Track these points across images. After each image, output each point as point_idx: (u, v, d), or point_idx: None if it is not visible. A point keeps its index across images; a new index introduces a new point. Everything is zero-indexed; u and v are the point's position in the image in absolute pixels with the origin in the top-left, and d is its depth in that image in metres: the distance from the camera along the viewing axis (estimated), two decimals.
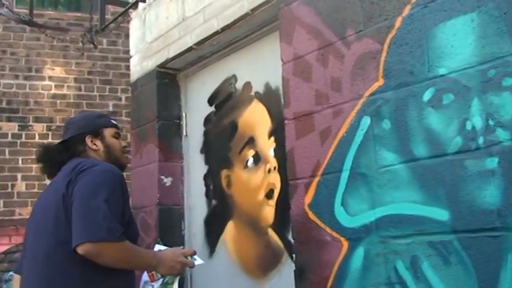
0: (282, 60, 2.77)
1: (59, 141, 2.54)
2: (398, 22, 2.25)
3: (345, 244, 2.40)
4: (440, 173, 2.07)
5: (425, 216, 2.11)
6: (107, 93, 6.84)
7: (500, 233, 1.88)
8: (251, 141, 3.27)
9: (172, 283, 2.40)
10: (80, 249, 2.08)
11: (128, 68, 6.72)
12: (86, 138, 2.45)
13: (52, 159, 2.47)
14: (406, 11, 2.23)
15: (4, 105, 6.49)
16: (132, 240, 2.26)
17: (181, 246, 2.56)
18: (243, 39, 3.33)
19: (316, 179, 2.54)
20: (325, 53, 2.55)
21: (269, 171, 3.12)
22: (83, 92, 6.72)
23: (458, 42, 2.05)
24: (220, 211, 3.49)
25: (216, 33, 3.30)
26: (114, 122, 2.57)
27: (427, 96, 2.13)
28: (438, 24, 2.12)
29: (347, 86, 2.44)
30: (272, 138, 3.12)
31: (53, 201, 2.25)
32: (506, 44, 1.90)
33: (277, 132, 3.05)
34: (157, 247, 2.48)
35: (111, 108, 6.79)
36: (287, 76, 2.74)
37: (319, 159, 2.53)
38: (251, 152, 3.26)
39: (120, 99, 6.91)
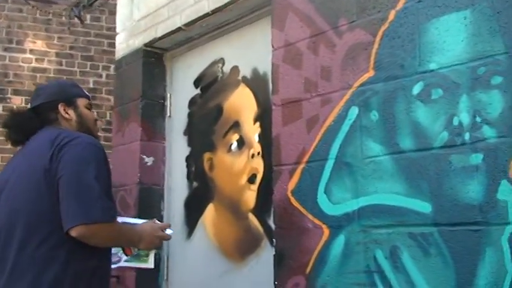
0: (273, 46, 2.78)
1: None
2: (391, 15, 2.27)
3: (326, 231, 2.43)
4: (424, 166, 2.10)
5: (407, 208, 2.15)
6: (88, 69, 6.76)
7: (480, 227, 1.93)
8: (236, 126, 3.27)
9: (147, 256, 2.43)
10: (74, 232, 1.97)
11: (110, 45, 6.64)
12: (59, 106, 2.31)
13: (21, 125, 2.31)
14: (400, 4, 2.25)
15: None
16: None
17: (154, 219, 2.45)
18: (233, 22, 3.33)
19: (301, 166, 2.56)
20: (316, 41, 2.56)
21: (252, 156, 3.13)
22: (63, 67, 6.62)
23: (450, 39, 2.08)
24: (200, 193, 3.50)
25: (207, 15, 3.28)
26: (87, 94, 2.47)
27: (416, 90, 2.16)
28: (431, 19, 2.14)
29: (337, 76, 2.46)
30: (257, 124, 3.13)
31: (30, 175, 2.09)
32: (497, 43, 1.93)
33: (263, 117, 3.06)
34: (120, 219, 2.35)
35: (91, 85, 6.71)
36: (277, 62, 2.75)
37: (305, 146, 2.55)
38: (235, 136, 3.26)
39: (101, 76, 6.83)
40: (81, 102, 2.37)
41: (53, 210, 2.02)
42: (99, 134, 2.61)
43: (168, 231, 2.40)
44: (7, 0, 6.45)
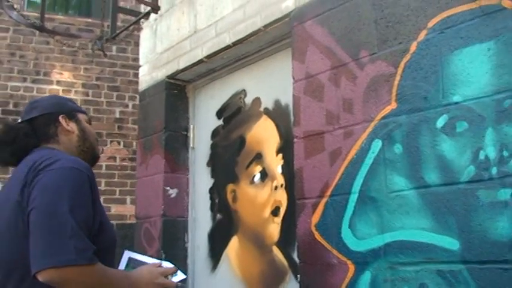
0: (293, 78, 2.75)
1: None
2: (413, 46, 2.23)
3: (352, 267, 2.37)
4: (451, 201, 2.04)
5: (435, 245, 2.08)
6: (114, 99, 6.82)
7: (511, 265, 1.85)
8: (258, 157, 3.24)
9: None
10: (41, 276, 1.65)
11: (136, 75, 6.71)
12: (60, 118, 2.03)
13: (16, 142, 1.98)
14: (422, 35, 2.21)
15: (11, 107, 6.48)
16: (107, 248, 1.88)
17: (159, 261, 2.06)
18: (254, 54, 3.32)
19: (324, 200, 2.52)
20: (338, 73, 2.53)
21: (276, 188, 3.10)
22: (90, 98, 6.70)
23: (474, 70, 2.02)
24: (224, 225, 3.47)
25: (228, 47, 3.28)
26: (85, 111, 2.21)
27: (440, 122, 2.10)
28: (454, 50, 2.09)
29: (359, 108, 2.42)
30: (280, 155, 3.09)
31: (6, 210, 1.83)
32: None
33: (286, 149, 3.03)
34: (127, 254, 2.10)
35: (117, 115, 6.78)
36: (298, 94, 2.72)
37: (328, 179, 2.51)
38: (258, 168, 3.23)
39: (127, 106, 6.89)
40: (82, 116, 2.13)
41: (26, 250, 1.71)
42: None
43: (176, 278, 2.02)
44: (34, 33, 6.57)
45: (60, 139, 2.03)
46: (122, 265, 2.08)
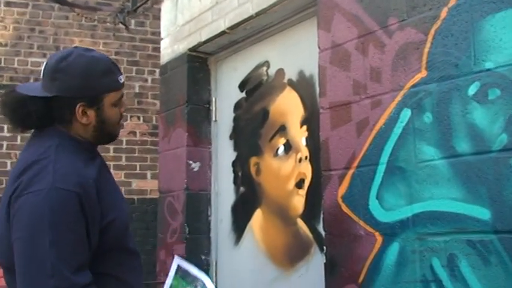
0: (319, 47, 2.71)
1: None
2: (444, 12, 2.17)
3: (379, 239, 2.35)
4: (483, 170, 2.00)
5: (465, 214, 2.05)
6: (133, 74, 6.80)
7: None
8: (282, 129, 3.21)
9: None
10: None
11: (155, 49, 6.67)
12: (77, 107, 1.77)
13: (25, 122, 1.82)
14: (453, 1, 2.15)
15: (32, 82, 6.51)
16: (118, 238, 1.80)
17: (204, 277, 1.93)
18: (277, 24, 3.27)
19: (351, 171, 2.49)
20: (365, 41, 2.48)
21: (300, 160, 3.07)
22: None
23: (507, 36, 1.97)
24: (248, 198, 3.45)
25: (251, 17, 3.24)
26: (121, 80, 1.84)
27: (472, 90, 2.06)
28: (486, 16, 2.04)
29: (387, 77, 2.37)
30: (304, 127, 3.06)
31: (4, 211, 1.71)
32: None
33: (310, 121, 2.99)
34: (177, 261, 2.05)
35: (137, 90, 6.76)
36: (324, 64, 2.67)
37: (355, 150, 2.48)
38: (282, 140, 3.21)
39: (146, 80, 6.86)
40: (109, 99, 1.82)
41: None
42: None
43: None
44: (53, 8, 6.55)
45: (74, 126, 1.81)
46: (172, 272, 2.06)
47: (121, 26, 6.38)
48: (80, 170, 1.72)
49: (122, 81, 1.84)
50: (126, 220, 1.87)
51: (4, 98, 1.85)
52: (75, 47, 1.86)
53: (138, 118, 6.75)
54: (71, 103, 1.77)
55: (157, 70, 5.97)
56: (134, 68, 6.81)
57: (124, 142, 6.61)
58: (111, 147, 6.56)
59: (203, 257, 3.65)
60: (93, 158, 1.85)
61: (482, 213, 1.99)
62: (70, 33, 6.57)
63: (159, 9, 4.44)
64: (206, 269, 3.62)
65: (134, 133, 6.69)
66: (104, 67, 1.80)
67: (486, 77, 2.01)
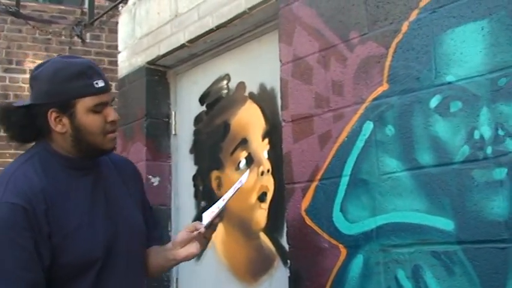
0: (281, 61, 2.71)
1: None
2: (404, 26, 2.20)
3: (343, 251, 2.35)
4: (445, 182, 2.02)
5: (429, 226, 2.07)
6: None
7: (507, 244, 1.84)
8: (244, 143, 3.20)
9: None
10: None
11: (111, 63, 6.60)
12: (49, 114, 1.71)
13: (14, 135, 1.80)
14: (413, 15, 2.18)
15: None
16: (80, 266, 1.69)
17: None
18: (238, 38, 3.26)
19: (314, 184, 2.49)
20: (326, 55, 2.49)
21: (262, 173, 3.06)
22: None
23: (467, 50, 2.00)
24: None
25: (211, 31, 3.22)
26: (98, 85, 1.72)
27: (433, 103, 2.09)
28: (446, 30, 2.07)
29: (349, 90, 2.39)
30: (266, 140, 3.06)
31: None
32: None
33: (272, 134, 2.99)
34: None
35: None
36: (286, 77, 2.68)
37: (318, 163, 2.48)
38: (244, 154, 3.19)
39: None
40: (84, 104, 1.71)
41: None
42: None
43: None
44: (6, 21, 6.41)
45: (53, 137, 1.76)
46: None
47: (76, 39, 6.30)
48: (32, 183, 1.66)
49: (99, 86, 1.73)
50: (87, 252, 1.72)
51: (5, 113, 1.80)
52: (59, 55, 1.83)
53: None
54: (43, 110, 1.71)
55: (114, 84, 5.91)
56: None
57: None
58: None
59: (163, 274, 3.59)
60: (80, 174, 1.78)
61: (446, 224, 2.01)
62: (23, 46, 6.44)
63: (116, 23, 4.39)
64: (167, 285, 3.56)
65: None
66: (76, 70, 1.72)
67: (447, 90, 2.04)
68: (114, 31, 5.92)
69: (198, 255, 3.35)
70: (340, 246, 2.36)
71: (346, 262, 2.33)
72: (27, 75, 6.43)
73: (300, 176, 2.56)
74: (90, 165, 1.85)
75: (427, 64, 2.11)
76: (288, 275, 2.59)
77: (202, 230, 1.90)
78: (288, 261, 2.61)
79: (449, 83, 2.04)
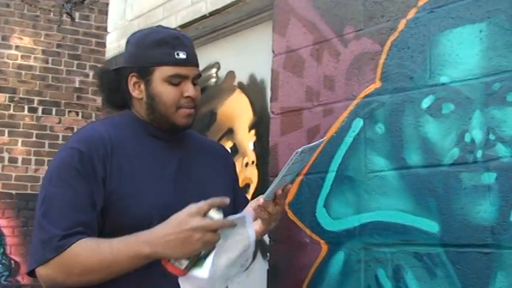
0: (273, 52, 2.68)
1: None
2: (401, 25, 2.18)
3: (325, 247, 2.33)
4: (433, 183, 2.01)
5: (413, 226, 2.05)
6: (74, 68, 6.63)
7: (491, 250, 1.83)
8: (230, 133, 3.17)
9: (203, 259, 1.50)
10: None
11: (98, 44, 6.52)
12: (129, 77, 1.75)
13: (108, 95, 1.87)
14: (411, 14, 2.16)
15: None
16: (132, 226, 1.56)
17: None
18: (231, 26, 3.22)
19: (300, 178, 2.46)
20: (320, 49, 2.46)
21: (246, 165, 3.03)
22: (50, 65, 6.49)
23: (463, 52, 1.99)
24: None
25: (204, 17, 3.18)
26: (178, 56, 1.70)
27: (425, 103, 2.07)
28: (444, 31, 2.05)
29: (341, 86, 2.36)
30: (253, 132, 3.03)
31: None
32: None
33: (259, 125, 2.96)
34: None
35: (77, 84, 6.59)
36: (277, 69, 2.65)
37: None
38: (229, 144, 3.16)
39: (87, 75, 6.71)
40: (161, 73, 1.70)
41: None
42: None
43: (214, 215, 1.48)
44: None
45: (133, 102, 1.79)
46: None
47: (64, 18, 6.22)
48: (95, 132, 1.69)
49: (179, 57, 1.70)
50: (140, 213, 1.63)
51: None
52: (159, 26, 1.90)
53: (77, 114, 6.58)
54: (125, 74, 1.76)
55: (100, 65, 5.83)
56: (75, 62, 6.64)
57: (60, 138, 6.42)
58: (46, 142, 6.36)
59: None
60: (158, 143, 1.77)
61: (431, 226, 2.00)
62: (10, 21, 6.33)
63: (106, 4, 4.33)
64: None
65: (72, 129, 6.51)
66: (160, 38, 1.73)
67: (441, 91, 2.03)
68: (103, 12, 5.85)
69: None
70: (322, 242, 2.34)
71: (327, 258, 2.31)
72: (13, 51, 6.35)
73: None
74: (170, 137, 1.81)
75: (422, 64, 2.09)
76: (267, 268, 2.57)
77: (260, 201, 1.80)
78: (268, 254, 2.58)
79: (443, 84, 2.02)
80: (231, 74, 3.24)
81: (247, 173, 3.01)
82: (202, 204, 1.47)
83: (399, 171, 2.11)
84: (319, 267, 2.33)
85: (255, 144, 3.00)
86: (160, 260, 1.51)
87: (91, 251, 1.52)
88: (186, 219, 1.45)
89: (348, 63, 2.35)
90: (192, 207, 1.47)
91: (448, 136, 1.99)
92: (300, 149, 1.71)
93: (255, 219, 1.81)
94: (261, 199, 1.81)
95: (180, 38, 1.75)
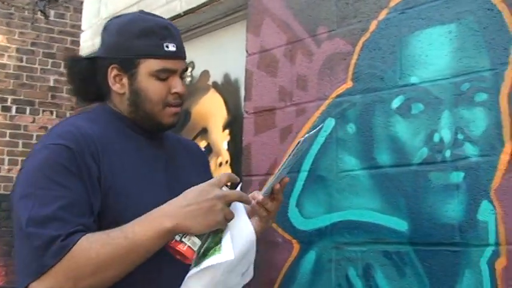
0: (247, 51, 2.68)
1: None
2: (373, 25, 2.20)
3: (296, 247, 2.34)
4: (402, 182, 2.03)
5: (383, 225, 2.07)
6: (49, 66, 6.54)
7: (459, 248, 1.86)
8: (204, 132, 3.17)
9: (218, 243, 1.39)
10: None
11: (73, 43, 6.45)
12: (109, 70, 1.54)
13: (78, 88, 1.64)
14: (382, 15, 2.18)
15: None
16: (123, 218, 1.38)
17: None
18: (205, 25, 3.22)
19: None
20: (293, 49, 2.47)
21: (220, 164, 3.03)
22: (24, 64, 6.39)
23: (433, 52, 2.01)
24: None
25: (178, 16, 3.18)
26: (167, 48, 1.51)
27: (395, 103, 2.09)
28: (414, 31, 2.08)
29: (313, 85, 2.37)
30: (227, 131, 3.03)
31: None
32: (483, 59, 1.87)
33: (233, 125, 2.96)
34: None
35: (52, 83, 6.51)
36: (251, 69, 2.65)
37: (277, 157, 2.46)
38: (203, 143, 3.16)
39: (62, 74, 6.61)
40: (147, 66, 1.51)
41: None
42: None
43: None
44: None
45: (112, 97, 1.58)
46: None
47: (39, 16, 6.14)
48: (80, 127, 1.47)
49: (168, 49, 1.51)
50: (131, 205, 1.46)
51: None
52: (140, 11, 1.66)
53: (51, 113, 6.50)
54: (104, 64, 1.54)
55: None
56: (50, 61, 6.55)
57: (34, 137, 6.34)
58: (20, 141, 6.28)
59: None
60: (141, 139, 1.57)
61: (400, 224, 2.02)
62: None
63: (81, 2, 4.30)
64: None
65: (46, 128, 6.42)
66: (147, 27, 1.52)
67: (410, 92, 2.05)
68: (79, 10, 5.79)
69: None
70: (294, 241, 2.35)
71: (299, 258, 2.32)
72: None
73: (258, 168, 2.54)
74: (152, 136, 1.63)
75: (392, 64, 2.11)
76: None
77: (259, 198, 1.64)
78: None
79: (413, 84, 2.05)
80: (205, 74, 3.24)
81: (221, 172, 3.00)
82: (221, 176, 1.39)
83: (370, 170, 2.13)
84: (291, 267, 2.34)
85: (229, 143, 3.00)
86: (168, 243, 1.35)
87: (102, 241, 1.31)
88: (208, 188, 1.35)
89: (321, 63, 2.36)
90: (212, 179, 1.39)
91: (417, 136, 2.01)
92: (302, 138, 1.62)
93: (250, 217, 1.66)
94: (256, 196, 1.67)
95: (169, 28, 1.57)
